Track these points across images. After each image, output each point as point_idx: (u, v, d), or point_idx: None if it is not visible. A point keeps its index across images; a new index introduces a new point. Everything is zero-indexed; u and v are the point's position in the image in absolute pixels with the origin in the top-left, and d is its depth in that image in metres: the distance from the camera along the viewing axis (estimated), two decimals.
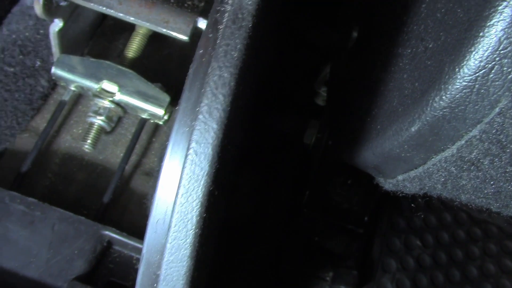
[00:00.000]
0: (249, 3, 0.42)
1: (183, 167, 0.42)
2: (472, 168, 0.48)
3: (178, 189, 0.42)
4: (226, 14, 0.42)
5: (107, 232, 0.81)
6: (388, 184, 0.64)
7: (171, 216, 0.43)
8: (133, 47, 0.90)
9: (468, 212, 1.27)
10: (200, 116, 0.41)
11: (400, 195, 0.65)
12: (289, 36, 0.93)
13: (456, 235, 1.26)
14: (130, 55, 0.89)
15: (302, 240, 1.13)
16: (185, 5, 0.79)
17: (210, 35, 0.43)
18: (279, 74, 0.89)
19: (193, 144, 0.41)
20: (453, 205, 1.25)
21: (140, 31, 0.90)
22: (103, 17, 0.97)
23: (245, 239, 0.94)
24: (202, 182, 0.41)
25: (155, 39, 0.92)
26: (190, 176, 0.41)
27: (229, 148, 0.43)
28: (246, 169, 0.84)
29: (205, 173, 0.41)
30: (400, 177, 0.59)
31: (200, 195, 0.42)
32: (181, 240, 0.43)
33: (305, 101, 1.11)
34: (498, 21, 0.39)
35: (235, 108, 0.42)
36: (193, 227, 0.42)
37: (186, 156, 0.41)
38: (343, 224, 1.14)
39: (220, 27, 0.42)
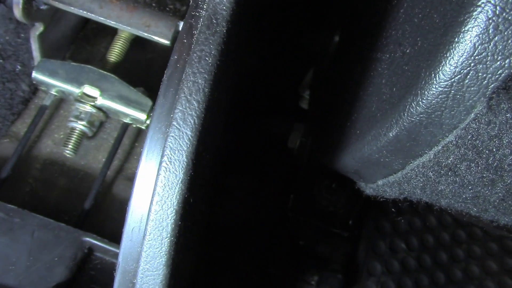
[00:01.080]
0: (224, 8, 0.42)
1: (158, 175, 0.41)
2: (449, 173, 0.48)
3: (153, 197, 0.42)
4: (201, 20, 0.42)
5: (88, 239, 0.80)
6: (368, 188, 0.64)
7: (146, 224, 0.42)
8: (115, 51, 0.89)
9: (453, 215, 1.28)
10: (174, 123, 0.40)
11: (381, 199, 0.65)
12: (272, 40, 0.93)
13: (441, 238, 1.26)
14: (112, 59, 0.89)
15: (287, 244, 1.13)
16: (167, 9, 0.78)
17: (185, 41, 0.42)
18: (263, 78, 0.88)
19: (167, 151, 0.41)
20: (437, 208, 1.25)
21: (122, 35, 0.90)
22: (85, 21, 0.96)
23: (231, 243, 0.94)
24: (176, 190, 0.41)
25: (137, 43, 0.91)
26: (164, 184, 0.41)
27: (205, 155, 0.43)
28: (234, 173, 0.83)
29: (180, 181, 0.41)
30: (380, 182, 0.58)
31: (175, 203, 0.41)
32: (156, 248, 0.42)
33: (290, 105, 1.11)
34: (473, 27, 0.39)
35: (211, 114, 0.41)
36: (168, 235, 0.41)
37: (161, 163, 0.41)
38: (328, 227, 1.14)
39: (195, 32, 0.42)
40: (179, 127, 0.40)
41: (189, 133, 0.40)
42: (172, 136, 0.40)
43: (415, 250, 1.23)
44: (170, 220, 0.41)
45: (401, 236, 1.23)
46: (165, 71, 0.43)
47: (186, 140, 0.40)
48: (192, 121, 0.40)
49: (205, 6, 0.42)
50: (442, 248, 1.26)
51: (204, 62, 0.40)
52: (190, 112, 0.40)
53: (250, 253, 1.05)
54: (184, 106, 0.40)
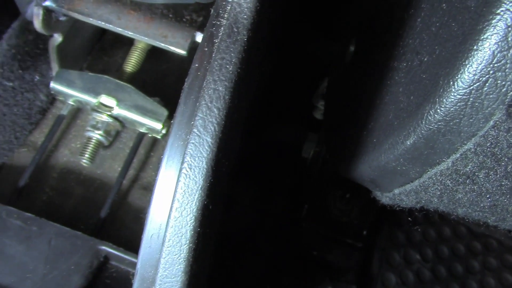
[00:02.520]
0: (245, 17, 0.42)
1: (178, 181, 0.42)
2: (467, 181, 0.48)
3: (172, 203, 0.42)
4: (222, 28, 0.43)
5: (104, 247, 0.80)
6: (384, 197, 0.64)
7: (165, 231, 0.42)
8: (132, 62, 0.90)
9: (468, 226, 1.27)
10: (195, 130, 0.41)
11: (397, 208, 0.65)
12: (287, 49, 0.94)
13: (456, 249, 1.25)
14: (128, 70, 0.90)
15: (301, 254, 1.13)
16: (184, 19, 0.79)
17: (206, 49, 0.43)
18: (277, 87, 0.89)
19: (187, 158, 0.41)
20: (452, 218, 1.24)
21: (139, 46, 0.91)
22: (103, 32, 0.98)
23: (243, 252, 0.94)
24: (196, 196, 0.41)
25: (153, 54, 0.92)
26: (184, 190, 0.41)
27: (224, 161, 0.43)
28: (244, 182, 0.83)
29: (200, 187, 0.41)
30: (396, 191, 0.58)
31: (194, 209, 0.41)
32: (175, 255, 0.43)
33: (304, 114, 1.11)
34: (492, 35, 0.39)
35: (230, 121, 0.42)
36: (187, 241, 0.42)
37: (181, 170, 0.41)
38: (342, 238, 1.14)
39: (216, 40, 0.43)
40: (199, 134, 0.41)
41: (209, 140, 0.41)
42: (193, 143, 0.41)
43: (430, 261, 1.22)
44: (190, 226, 0.42)
45: (415, 247, 1.23)
46: (186, 79, 0.44)
47: (206, 147, 0.41)
48: (212, 128, 0.41)
49: (226, 15, 0.43)
50: (457, 260, 1.24)
51: (225, 70, 0.41)
52: (210, 119, 0.41)
53: (263, 263, 1.05)
54: (204, 113, 0.41)
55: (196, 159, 0.41)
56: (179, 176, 0.42)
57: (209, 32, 0.43)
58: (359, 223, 1.15)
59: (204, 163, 0.41)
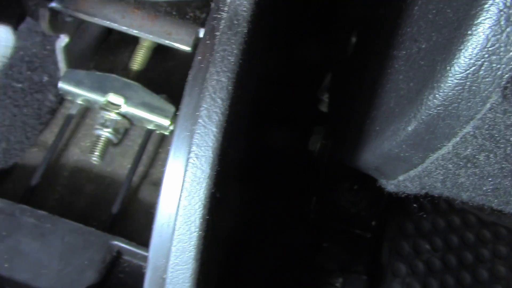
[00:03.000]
0: (244, 9, 0.44)
1: (185, 171, 0.43)
2: (468, 165, 0.49)
3: (181, 193, 0.43)
4: (222, 21, 0.44)
5: (116, 243, 0.82)
6: (390, 185, 0.65)
7: (175, 219, 0.44)
8: (138, 60, 0.92)
9: (477, 214, 1.27)
10: (200, 120, 0.42)
11: (403, 196, 0.66)
12: (290, 42, 0.95)
13: (465, 238, 1.26)
14: (135, 68, 0.91)
15: (310, 247, 1.14)
16: (187, 16, 0.80)
17: (208, 42, 0.44)
18: (281, 80, 0.90)
19: (194, 148, 0.42)
20: (461, 207, 1.25)
21: (144, 44, 0.92)
22: (108, 32, 0.99)
23: (252, 246, 0.95)
24: (203, 185, 0.43)
25: (159, 52, 0.94)
26: (192, 179, 0.43)
27: (230, 151, 0.45)
28: (250, 176, 0.85)
29: (207, 176, 0.43)
30: (401, 178, 0.59)
31: (203, 197, 0.43)
32: (185, 242, 0.44)
33: (309, 108, 1.12)
34: (485, 19, 0.40)
35: (234, 111, 0.43)
36: (197, 229, 0.43)
37: (188, 159, 0.43)
38: (351, 229, 1.14)
39: (217, 33, 0.44)
40: (204, 124, 0.42)
41: (214, 129, 0.42)
42: (198, 133, 0.42)
43: (439, 251, 1.22)
44: (198, 214, 0.43)
45: (425, 236, 1.23)
46: (189, 72, 0.45)
47: (212, 137, 0.42)
48: (217, 118, 0.42)
49: (226, 8, 0.44)
50: (467, 248, 1.25)
51: (226, 61, 0.42)
52: (214, 110, 0.42)
53: (272, 256, 1.06)
54: (208, 104, 0.42)
55: (202, 148, 0.42)
56: (186, 166, 0.43)
57: (210, 25, 0.45)
58: (368, 214, 1.16)
59: (210, 152, 0.42)
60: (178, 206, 0.44)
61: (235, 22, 0.43)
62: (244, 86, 0.45)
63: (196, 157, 0.43)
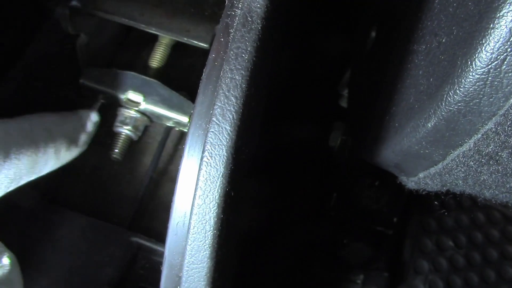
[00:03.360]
0: (258, 6, 0.43)
1: (199, 169, 0.43)
2: (491, 162, 0.48)
3: (195, 191, 0.43)
4: (236, 18, 0.44)
5: (136, 239, 0.82)
6: (410, 182, 0.63)
7: (190, 218, 0.44)
8: (157, 57, 0.92)
9: (502, 211, 1.25)
10: (214, 119, 0.42)
11: (424, 193, 0.64)
12: (308, 39, 0.94)
13: (490, 235, 1.23)
14: (154, 65, 0.91)
15: (331, 243, 1.13)
16: (205, 13, 0.80)
17: (222, 39, 0.44)
18: (298, 76, 0.89)
19: (207, 147, 0.42)
20: (486, 203, 1.23)
21: (163, 42, 0.92)
22: (128, 30, 1.00)
23: (272, 241, 0.94)
24: (218, 184, 0.42)
25: (178, 49, 0.94)
26: (206, 178, 0.42)
27: (244, 149, 0.44)
28: (268, 173, 0.84)
29: (221, 174, 0.42)
30: (421, 175, 0.58)
31: (217, 196, 0.43)
32: (200, 241, 0.44)
33: (329, 104, 1.11)
34: (508, 12, 0.39)
35: (248, 109, 0.42)
36: (211, 228, 0.43)
37: (202, 158, 0.43)
38: (372, 226, 1.13)
39: (231, 30, 0.43)
40: (218, 123, 0.42)
41: (228, 128, 0.42)
42: (212, 131, 0.42)
43: (463, 248, 1.21)
44: (213, 213, 0.43)
45: (448, 233, 1.21)
46: (204, 70, 0.45)
47: (225, 135, 0.42)
48: (231, 116, 0.42)
49: (240, 5, 0.44)
50: (491, 245, 1.22)
51: (240, 58, 0.42)
52: (228, 108, 0.42)
53: (292, 253, 1.06)
54: (222, 102, 0.42)
55: (216, 147, 0.42)
56: (200, 164, 0.43)
57: (225, 22, 0.44)
58: (389, 210, 1.14)
59: (224, 151, 0.42)
60: (193, 205, 0.44)
61: (249, 19, 0.43)
62: (259, 84, 0.44)
63: (210, 156, 0.42)
